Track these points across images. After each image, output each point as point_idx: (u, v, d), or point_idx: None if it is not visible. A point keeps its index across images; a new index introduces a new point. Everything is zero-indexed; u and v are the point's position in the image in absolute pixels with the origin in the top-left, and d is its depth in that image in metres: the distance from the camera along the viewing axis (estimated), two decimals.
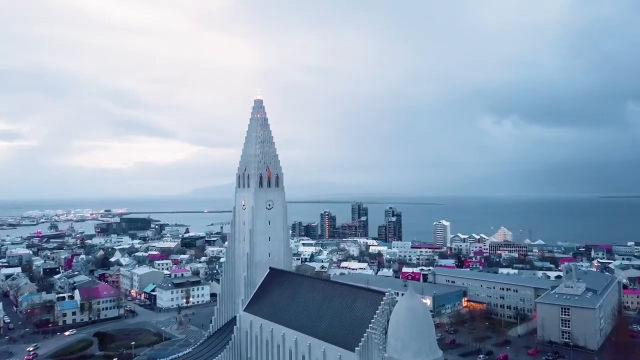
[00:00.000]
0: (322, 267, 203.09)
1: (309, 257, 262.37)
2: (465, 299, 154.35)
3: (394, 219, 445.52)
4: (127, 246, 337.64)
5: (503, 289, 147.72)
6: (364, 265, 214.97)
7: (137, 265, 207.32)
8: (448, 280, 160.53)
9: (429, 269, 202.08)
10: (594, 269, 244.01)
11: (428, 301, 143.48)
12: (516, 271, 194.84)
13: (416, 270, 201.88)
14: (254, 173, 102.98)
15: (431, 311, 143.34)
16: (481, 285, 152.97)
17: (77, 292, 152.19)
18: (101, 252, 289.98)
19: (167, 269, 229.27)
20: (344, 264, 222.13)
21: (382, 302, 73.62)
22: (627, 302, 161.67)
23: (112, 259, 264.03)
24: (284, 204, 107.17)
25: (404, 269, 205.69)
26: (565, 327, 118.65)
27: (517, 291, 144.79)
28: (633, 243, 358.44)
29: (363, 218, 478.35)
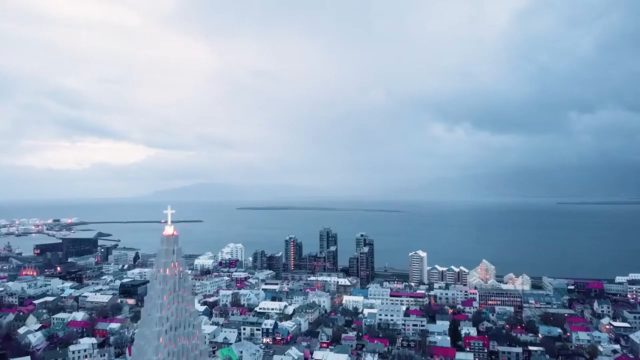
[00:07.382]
0: None
1: (271, 327, 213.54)
2: None
3: (366, 249, 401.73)
4: (52, 298, 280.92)
5: None
6: (344, 357, 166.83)
7: None
8: None
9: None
10: (607, 335, 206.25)
11: None
12: None
13: None
14: None
15: None
16: None
17: None
18: (10, 317, 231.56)
19: (87, 357, 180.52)
20: (317, 354, 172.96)
21: None
22: None
23: (22, 331, 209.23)
24: None
25: None
26: None
27: None
28: (626, 280, 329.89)
29: (332, 248, 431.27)
